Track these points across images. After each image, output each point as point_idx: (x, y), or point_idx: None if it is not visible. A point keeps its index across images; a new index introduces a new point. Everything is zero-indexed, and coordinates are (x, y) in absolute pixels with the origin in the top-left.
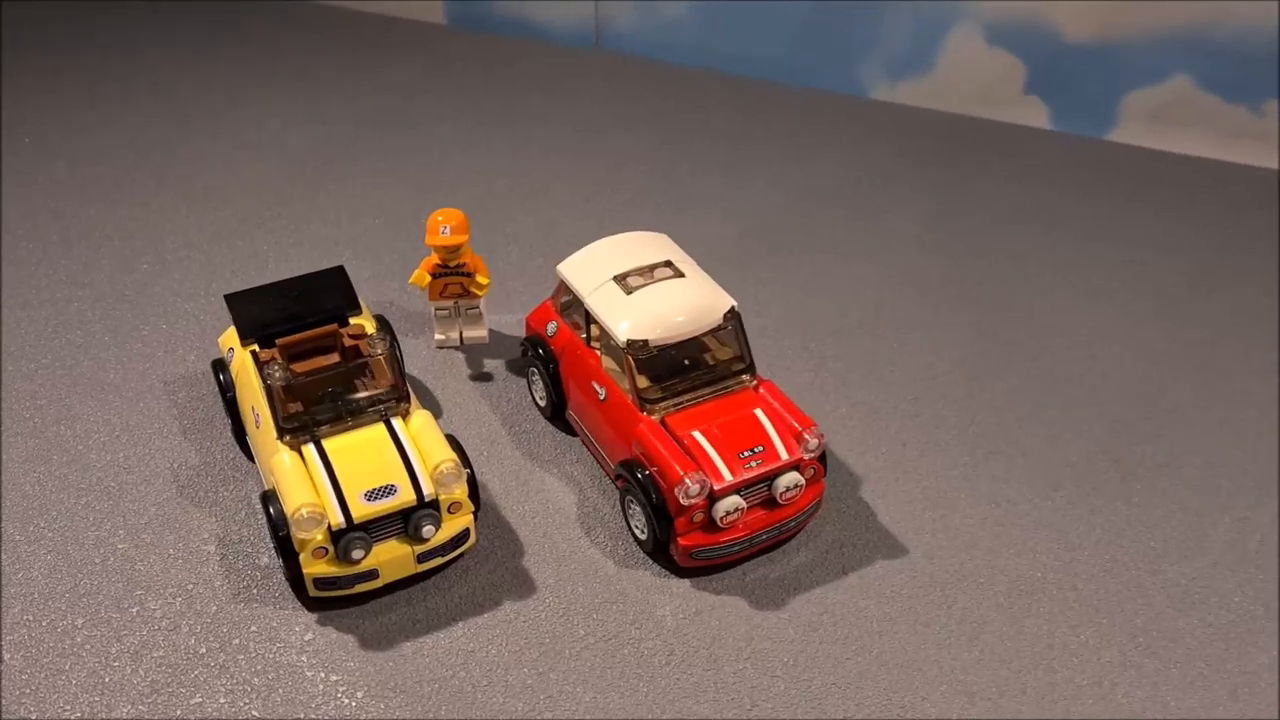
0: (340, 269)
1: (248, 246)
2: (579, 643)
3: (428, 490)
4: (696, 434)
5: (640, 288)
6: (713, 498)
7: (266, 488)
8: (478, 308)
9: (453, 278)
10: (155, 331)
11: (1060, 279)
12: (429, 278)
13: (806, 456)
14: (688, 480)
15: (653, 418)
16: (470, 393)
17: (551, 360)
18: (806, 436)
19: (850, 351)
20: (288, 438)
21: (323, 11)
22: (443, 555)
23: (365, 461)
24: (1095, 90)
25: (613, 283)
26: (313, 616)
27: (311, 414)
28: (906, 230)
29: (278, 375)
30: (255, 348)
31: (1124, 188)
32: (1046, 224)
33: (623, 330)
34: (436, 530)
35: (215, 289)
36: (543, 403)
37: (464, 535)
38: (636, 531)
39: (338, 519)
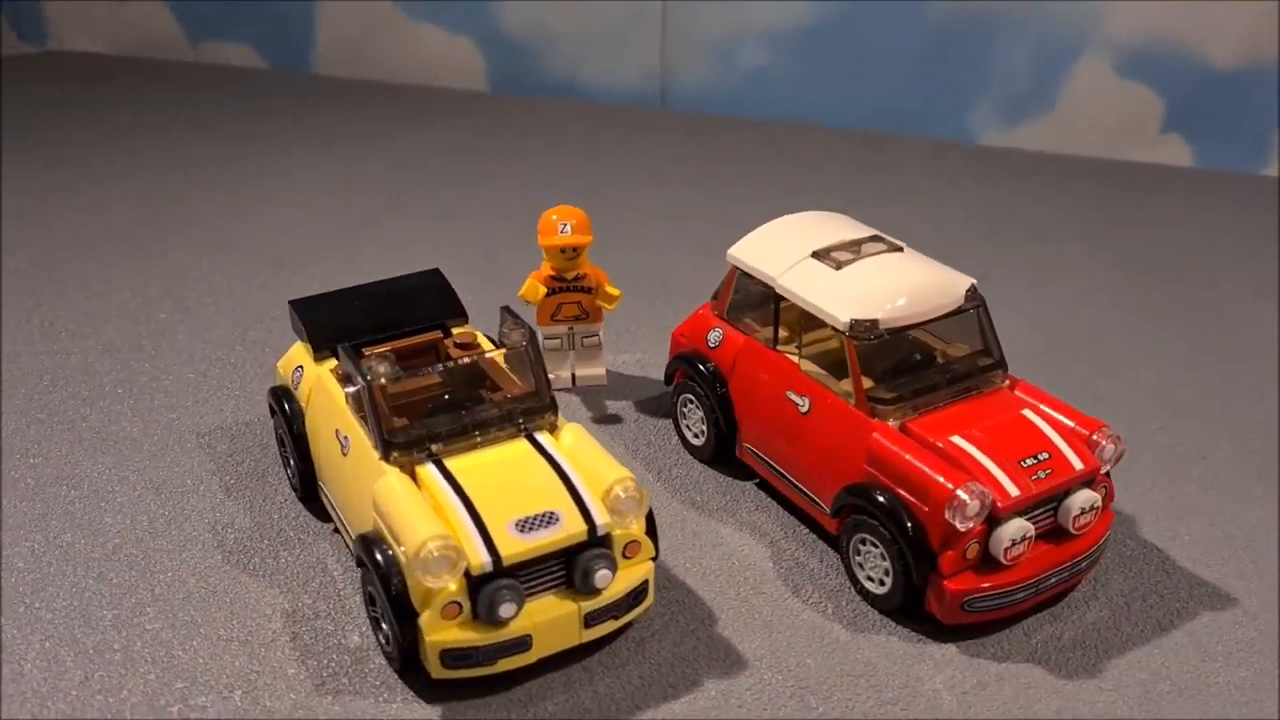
0: (437, 271)
1: (287, 290)
2: None
3: (601, 520)
4: (957, 440)
5: (851, 263)
6: (992, 521)
7: (362, 531)
8: (597, 336)
9: (569, 295)
10: (180, 381)
11: (1263, 308)
12: (542, 289)
13: (1105, 467)
14: (962, 494)
15: (889, 423)
16: (598, 437)
17: (718, 379)
18: (1101, 441)
19: (1060, 379)
20: (396, 455)
21: (351, 85)
22: (615, 617)
23: (510, 483)
24: (1246, 122)
25: (812, 260)
26: (435, 710)
27: (426, 426)
28: (1065, 263)
29: (382, 371)
30: (334, 363)
31: None
32: (1218, 259)
33: (843, 310)
34: (613, 576)
35: (252, 337)
36: (699, 440)
37: (641, 591)
38: (869, 584)
39: (480, 557)
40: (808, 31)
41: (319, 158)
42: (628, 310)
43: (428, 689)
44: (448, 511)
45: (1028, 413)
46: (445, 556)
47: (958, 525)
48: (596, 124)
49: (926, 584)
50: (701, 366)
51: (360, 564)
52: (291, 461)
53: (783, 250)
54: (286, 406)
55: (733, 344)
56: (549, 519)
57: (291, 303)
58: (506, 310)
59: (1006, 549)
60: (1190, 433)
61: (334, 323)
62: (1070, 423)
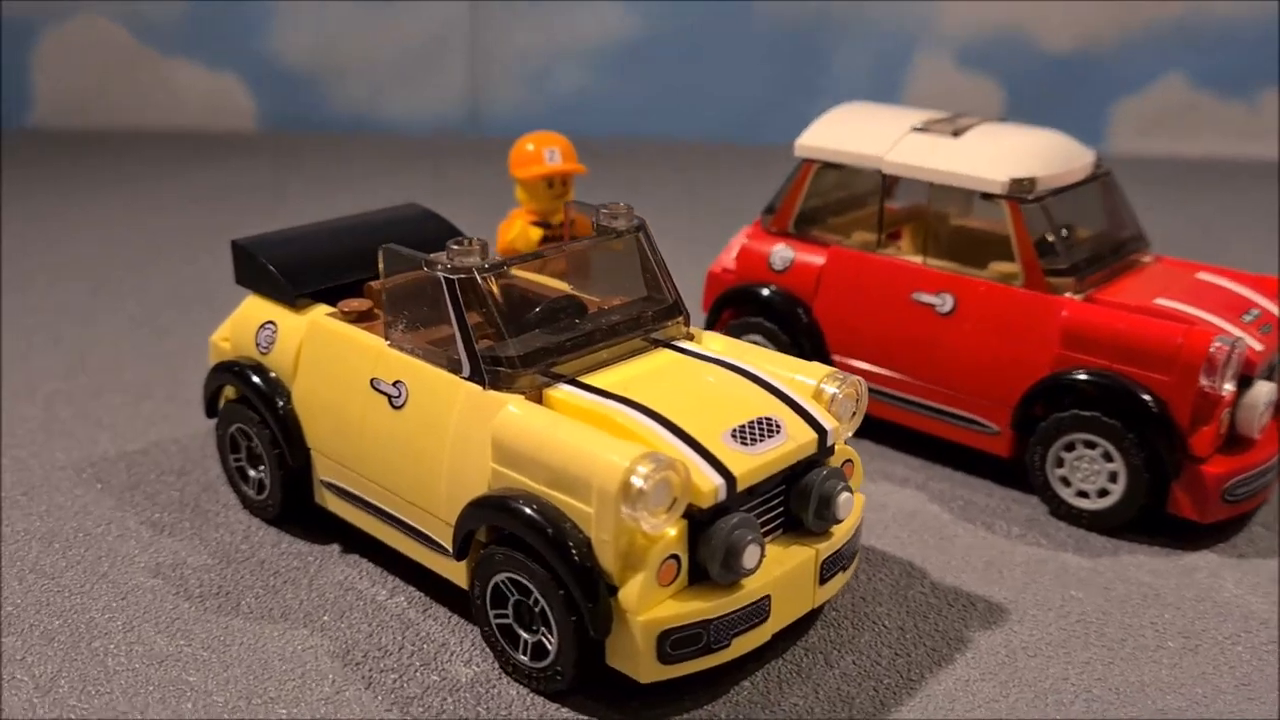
0: (415, 205)
1: (112, 316)
2: (1147, 664)
3: (829, 424)
4: (1165, 302)
5: (966, 130)
6: (1241, 386)
7: (479, 496)
8: None
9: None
10: (20, 420)
11: None
12: (537, 232)
13: None
14: (1223, 346)
15: (1075, 298)
16: None
17: (798, 305)
18: None
19: None
20: (515, 376)
21: (89, 136)
22: (844, 568)
23: (694, 393)
24: (1081, 102)
25: (918, 133)
26: None
27: (542, 338)
28: None
29: (472, 263)
30: (323, 308)
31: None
32: None
33: (996, 169)
34: (853, 499)
35: (95, 363)
36: None
37: (857, 533)
38: (1081, 501)
39: (711, 480)
40: (629, 46)
41: (71, 209)
42: None
43: (614, 707)
44: (635, 430)
45: (1204, 275)
46: (665, 483)
47: (1219, 388)
48: (401, 155)
49: (1177, 476)
50: (769, 294)
51: (466, 552)
52: (254, 471)
53: (874, 130)
54: (258, 381)
55: (811, 260)
56: (769, 427)
57: (236, 244)
58: (576, 202)
59: (1260, 415)
60: None
61: (311, 261)
62: (1239, 282)
